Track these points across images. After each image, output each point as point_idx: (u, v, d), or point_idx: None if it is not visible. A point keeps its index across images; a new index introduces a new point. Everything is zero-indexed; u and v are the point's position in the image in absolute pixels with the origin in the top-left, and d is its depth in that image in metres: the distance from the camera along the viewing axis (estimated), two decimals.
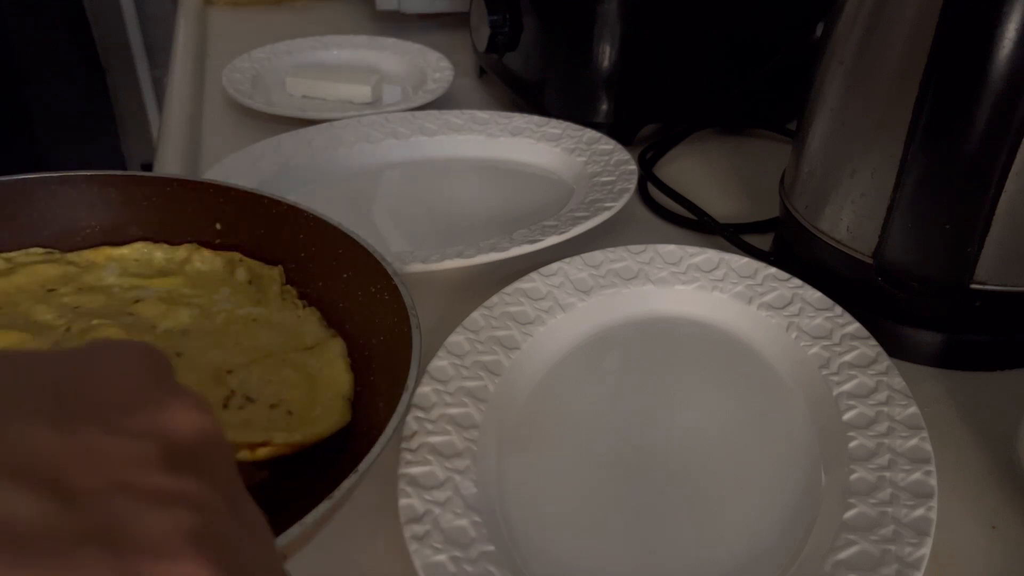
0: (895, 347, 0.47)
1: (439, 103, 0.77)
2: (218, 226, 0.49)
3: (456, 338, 0.44)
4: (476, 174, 0.67)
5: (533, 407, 0.42)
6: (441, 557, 0.33)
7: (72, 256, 0.48)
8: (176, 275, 0.47)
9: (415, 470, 0.37)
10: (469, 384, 0.42)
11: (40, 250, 0.48)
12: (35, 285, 0.45)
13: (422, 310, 0.39)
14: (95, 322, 0.42)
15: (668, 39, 0.68)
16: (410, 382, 0.34)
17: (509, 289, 0.48)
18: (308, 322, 0.45)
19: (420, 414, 0.39)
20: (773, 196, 0.56)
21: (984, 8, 0.36)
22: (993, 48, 0.36)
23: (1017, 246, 0.42)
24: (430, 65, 0.83)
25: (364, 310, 0.42)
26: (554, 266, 0.50)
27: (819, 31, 0.50)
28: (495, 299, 0.47)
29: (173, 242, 0.49)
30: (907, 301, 0.46)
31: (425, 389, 0.41)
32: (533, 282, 0.49)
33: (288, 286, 0.47)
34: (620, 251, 0.51)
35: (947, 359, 0.47)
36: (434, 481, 0.36)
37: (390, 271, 0.41)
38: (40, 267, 0.46)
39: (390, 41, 0.89)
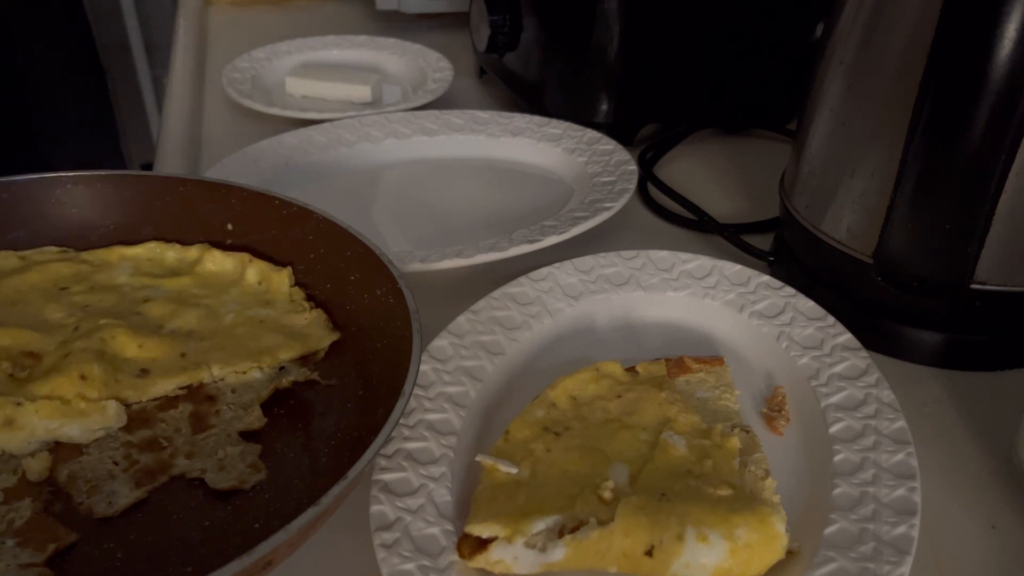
0: (895, 347, 0.47)
1: (439, 103, 0.77)
2: (229, 226, 0.49)
3: (440, 342, 0.44)
4: (476, 174, 0.67)
5: (515, 413, 0.41)
6: (409, 566, 0.33)
7: (86, 255, 0.48)
8: (187, 275, 0.47)
9: (389, 476, 0.36)
10: (450, 390, 0.41)
11: (55, 249, 0.48)
12: (48, 283, 0.45)
13: (421, 310, 0.39)
14: (103, 321, 0.42)
15: (668, 39, 0.68)
16: (407, 387, 0.34)
17: (496, 293, 0.47)
18: (314, 324, 0.45)
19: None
20: (773, 196, 0.56)
21: (984, 8, 0.36)
22: (993, 48, 0.36)
23: (1017, 246, 0.42)
24: (430, 65, 0.83)
25: (370, 313, 0.42)
26: (544, 270, 0.49)
27: (819, 31, 0.50)
28: (482, 303, 0.47)
29: (185, 242, 0.49)
30: (907, 301, 0.46)
31: None
32: (521, 286, 0.48)
33: (296, 287, 0.47)
34: (611, 256, 0.51)
35: (947, 359, 0.47)
36: (408, 488, 0.36)
37: (396, 275, 0.41)
38: (54, 265, 0.46)
39: (390, 41, 0.89)
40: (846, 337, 0.44)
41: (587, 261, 0.50)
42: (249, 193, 0.48)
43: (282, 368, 0.43)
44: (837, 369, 0.43)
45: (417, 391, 0.41)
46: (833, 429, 0.40)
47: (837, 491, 0.36)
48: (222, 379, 0.42)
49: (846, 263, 0.47)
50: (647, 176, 0.66)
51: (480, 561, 0.33)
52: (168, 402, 0.40)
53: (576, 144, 0.66)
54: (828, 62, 0.47)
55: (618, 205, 0.56)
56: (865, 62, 0.44)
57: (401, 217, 0.60)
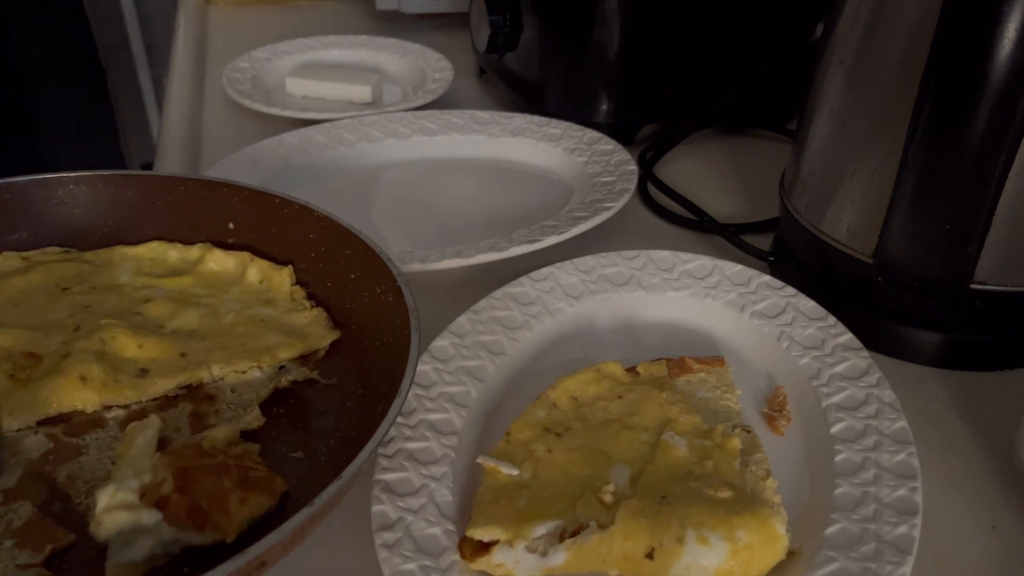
0: (895, 347, 0.47)
1: (439, 103, 0.77)
2: (231, 225, 0.49)
3: (440, 342, 0.44)
4: (476, 174, 0.67)
5: (516, 414, 0.40)
6: (410, 566, 0.33)
7: (88, 255, 0.48)
8: (188, 275, 0.48)
9: (390, 476, 0.36)
10: (451, 390, 0.41)
11: (57, 249, 0.48)
12: (50, 284, 0.46)
13: (422, 310, 0.39)
14: (103, 322, 0.42)
15: (668, 39, 0.68)
16: (404, 386, 0.34)
17: (498, 293, 0.47)
18: (315, 323, 0.45)
19: (400, 419, 0.39)
20: (773, 196, 0.56)
21: (984, 8, 0.36)
22: (993, 48, 0.36)
23: (1017, 246, 0.42)
24: (430, 65, 0.83)
25: (370, 311, 0.42)
26: (545, 271, 0.49)
27: (819, 31, 0.50)
28: (483, 303, 0.47)
29: (187, 241, 0.49)
30: (907, 301, 0.46)
31: None
32: (523, 286, 0.48)
33: (297, 286, 0.47)
34: (612, 256, 0.51)
35: (947, 359, 0.47)
36: (409, 488, 0.36)
37: (395, 272, 0.41)
38: (56, 266, 0.47)
39: (390, 41, 0.89)
40: (847, 337, 0.44)
41: (588, 261, 0.50)
42: (250, 192, 0.48)
43: (282, 367, 0.43)
44: (838, 369, 0.43)
45: (418, 391, 0.41)
46: (834, 429, 0.40)
47: (838, 491, 0.36)
48: (222, 378, 0.42)
49: (846, 263, 0.47)
50: (647, 176, 0.66)
51: (482, 564, 0.33)
52: (168, 401, 0.41)
53: (576, 144, 0.66)
54: (828, 62, 0.47)
55: (618, 205, 0.56)
56: (865, 62, 0.44)
57: (401, 217, 0.60)
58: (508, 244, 0.51)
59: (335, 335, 0.44)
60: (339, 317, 0.45)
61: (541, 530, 0.33)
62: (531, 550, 0.33)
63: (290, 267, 0.47)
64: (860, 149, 0.45)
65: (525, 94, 0.74)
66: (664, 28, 0.67)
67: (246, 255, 0.48)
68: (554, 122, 0.69)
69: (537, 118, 0.70)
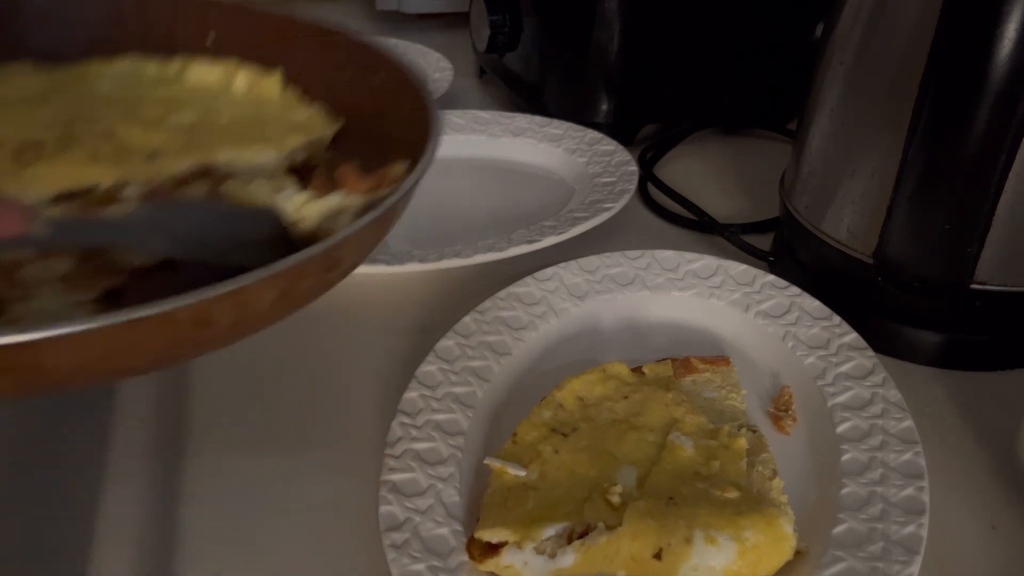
0: (895, 347, 0.47)
1: (439, 103, 0.76)
2: (210, 39, 0.46)
3: (446, 343, 0.44)
4: (477, 174, 0.67)
5: (522, 414, 0.41)
6: (419, 566, 0.33)
7: (59, 71, 0.44)
8: (173, 85, 0.44)
9: (397, 477, 0.36)
10: (457, 390, 0.42)
11: (29, 64, 0.44)
12: (28, 94, 0.42)
13: (418, 311, 0.39)
14: (103, 111, 0.40)
15: (668, 39, 0.68)
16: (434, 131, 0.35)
17: (502, 293, 0.48)
18: (316, 117, 0.43)
19: (406, 420, 0.39)
20: (773, 196, 0.56)
21: (984, 8, 0.36)
22: (993, 48, 0.36)
23: (1017, 246, 0.43)
24: (430, 65, 0.83)
25: (372, 101, 0.41)
26: (549, 271, 0.49)
27: (819, 31, 0.50)
28: (488, 303, 0.47)
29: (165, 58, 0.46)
30: (908, 301, 0.46)
31: (412, 394, 0.41)
32: (527, 287, 0.48)
33: (290, 88, 0.45)
34: (617, 256, 0.51)
35: (947, 359, 0.47)
36: (416, 488, 0.36)
37: (392, 57, 0.39)
38: (31, 79, 0.43)
39: (390, 41, 0.89)
40: (852, 336, 0.45)
41: (592, 261, 0.50)
42: (230, 6, 0.45)
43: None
44: (843, 368, 0.43)
45: (424, 391, 0.41)
46: (840, 429, 0.40)
47: (845, 491, 0.36)
48: (235, 160, 0.39)
49: (846, 263, 0.47)
50: (647, 176, 0.66)
51: (491, 565, 0.33)
52: (183, 183, 0.38)
53: (577, 145, 0.66)
54: (828, 62, 0.47)
55: (618, 206, 0.56)
56: (865, 62, 0.45)
57: (401, 216, 0.60)
58: (507, 244, 0.51)
59: (339, 123, 0.42)
60: (340, 112, 0.43)
61: (549, 531, 0.33)
62: (539, 551, 0.33)
63: (280, 71, 0.45)
64: (860, 149, 0.46)
65: (525, 94, 0.75)
66: (664, 28, 0.67)
67: (232, 63, 0.45)
68: (555, 122, 0.69)
69: (538, 118, 0.70)
